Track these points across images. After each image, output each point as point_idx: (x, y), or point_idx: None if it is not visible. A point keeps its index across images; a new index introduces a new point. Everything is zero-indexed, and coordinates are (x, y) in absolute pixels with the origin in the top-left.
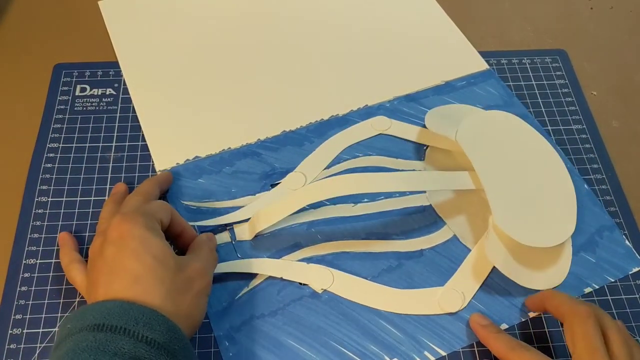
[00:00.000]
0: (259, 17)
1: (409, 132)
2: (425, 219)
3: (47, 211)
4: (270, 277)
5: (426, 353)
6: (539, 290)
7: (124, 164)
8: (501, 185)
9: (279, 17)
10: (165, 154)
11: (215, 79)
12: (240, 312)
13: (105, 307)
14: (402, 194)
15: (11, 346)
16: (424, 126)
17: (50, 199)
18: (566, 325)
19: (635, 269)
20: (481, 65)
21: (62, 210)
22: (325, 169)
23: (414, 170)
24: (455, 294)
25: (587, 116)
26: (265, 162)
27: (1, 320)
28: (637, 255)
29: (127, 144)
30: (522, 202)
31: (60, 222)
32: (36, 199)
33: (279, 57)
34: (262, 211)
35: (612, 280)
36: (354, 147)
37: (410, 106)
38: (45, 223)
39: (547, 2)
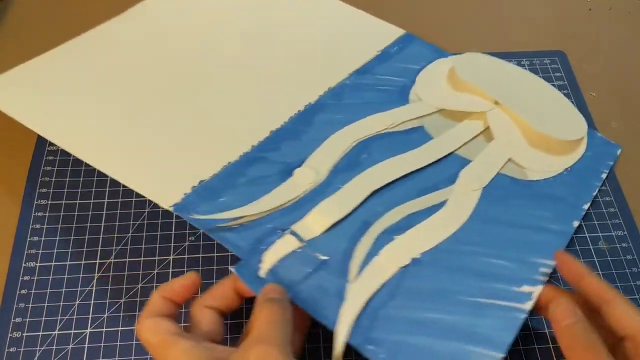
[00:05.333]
0: (200, 36)
1: (415, 112)
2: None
3: (47, 214)
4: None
5: (541, 269)
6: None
7: None
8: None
9: (222, 34)
10: (166, 190)
11: (182, 102)
12: (362, 310)
13: None
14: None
15: (11, 349)
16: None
17: (49, 202)
18: (608, 307)
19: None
20: (398, 31)
21: (62, 213)
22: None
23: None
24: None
25: (586, 117)
26: (274, 161)
27: (1, 323)
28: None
29: None
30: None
31: (59, 225)
32: (35, 202)
33: (234, 70)
34: (328, 201)
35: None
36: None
37: (367, 78)
38: (45, 226)
39: (545, 3)
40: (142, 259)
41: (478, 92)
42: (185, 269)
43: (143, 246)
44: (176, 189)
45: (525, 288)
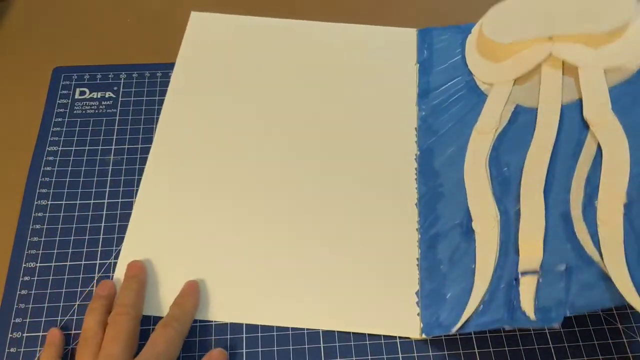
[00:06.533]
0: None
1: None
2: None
3: (47, 214)
4: None
5: None
6: None
7: (124, 167)
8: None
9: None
10: (399, 320)
11: (320, 215)
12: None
13: None
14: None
15: (11, 350)
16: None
17: (49, 202)
18: None
19: None
20: (411, 32)
21: (62, 214)
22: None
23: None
24: None
25: None
26: (448, 230)
27: (1, 324)
28: None
29: (126, 146)
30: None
31: (59, 225)
32: (36, 202)
33: (325, 152)
34: (523, 228)
35: None
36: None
37: (433, 97)
38: (45, 226)
39: None
40: None
41: (528, 42)
42: None
43: None
44: (405, 314)
45: None
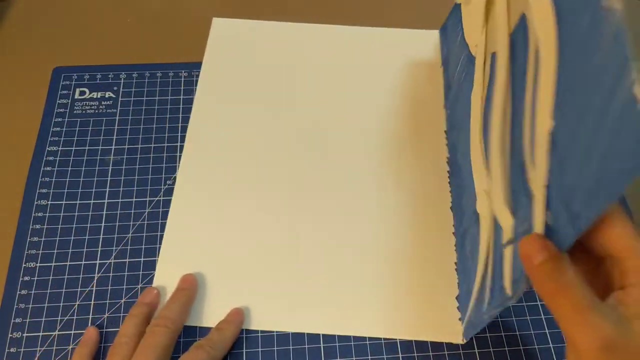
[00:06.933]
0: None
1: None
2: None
3: (47, 214)
4: None
5: None
6: None
7: (124, 167)
8: None
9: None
10: (442, 326)
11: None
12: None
13: None
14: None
15: (11, 350)
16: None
17: (49, 202)
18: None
19: None
20: (433, 35)
21: (62, 214)
22: (485, 161)
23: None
24: None
25: None
26: (471, 220)
27: (1, 324)
28: None
29: (126, 146)
30: None
31: (60, 225)
32: (36, 202)
33: (366, 164)
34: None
35: None
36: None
37: (452, 91)
38: (45, 226)
39: None
40: (142, 259)
41: None
42: None
43: (143, 246)
44: (448, 320)
45: None
